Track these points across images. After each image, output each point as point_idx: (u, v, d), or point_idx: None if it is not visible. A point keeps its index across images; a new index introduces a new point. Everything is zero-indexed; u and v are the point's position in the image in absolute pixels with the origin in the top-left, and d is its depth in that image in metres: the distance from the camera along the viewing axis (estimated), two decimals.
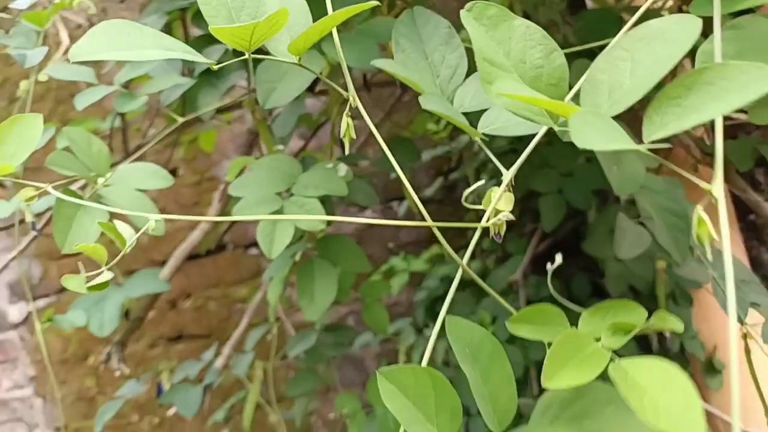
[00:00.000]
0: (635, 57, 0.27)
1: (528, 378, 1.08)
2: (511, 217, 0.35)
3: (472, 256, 1.45)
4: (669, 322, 0.30)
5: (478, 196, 0.39)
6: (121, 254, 0.34)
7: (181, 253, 0.86)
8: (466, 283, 1.35)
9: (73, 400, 2.10)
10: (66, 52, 1.11)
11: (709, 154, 0.99)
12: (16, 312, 2.46)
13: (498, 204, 0.34)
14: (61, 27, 1.08)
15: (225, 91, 0.66)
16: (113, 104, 0.63)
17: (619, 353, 0.96)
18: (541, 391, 1.02)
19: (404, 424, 0.26)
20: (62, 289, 1.49)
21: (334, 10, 0.34)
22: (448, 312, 1.30)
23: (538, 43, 0.30)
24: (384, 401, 0.27)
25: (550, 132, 0.34)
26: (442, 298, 1.35)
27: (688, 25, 0.26)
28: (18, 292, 2.23)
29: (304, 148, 0.97)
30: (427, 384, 0.28)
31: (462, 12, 0.30)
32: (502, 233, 0.36)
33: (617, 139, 0.26)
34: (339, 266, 0.65)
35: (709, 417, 1.06)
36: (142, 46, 0.31)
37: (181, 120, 0.64)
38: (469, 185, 1.39)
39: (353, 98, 0.37)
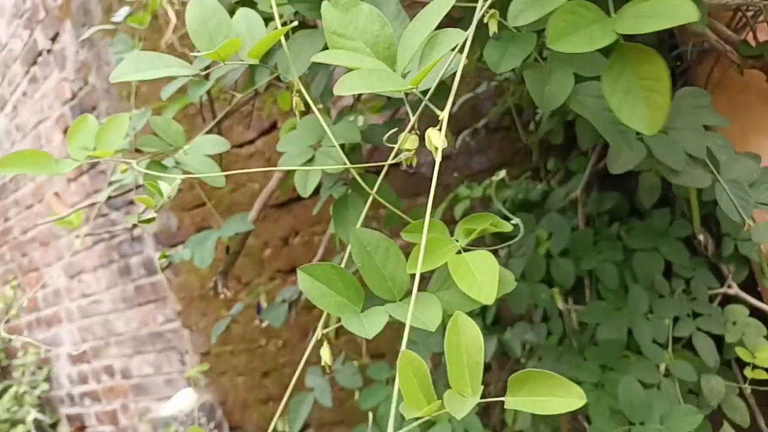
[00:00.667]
0: (424, 27, 0.39)
1: (582, 285, 1.17)
2: (409, 154, 0.46)
3: (537, 178, 1.52)
4: (501, 226, 0.41)
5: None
6: (160, 204, 0.51)
7: (263, 197, 1.04)
8: (531, 204, 1.43)
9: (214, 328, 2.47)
10: (174, 30, 1.32)
11: (752, 57, 0.98)
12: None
13: (403, 144, 0.46)
14: (169, 8, 1.28)
15: (271, 69, 0.81)
16: (188, 90, 0.81)
17: (668, 257, 1.00)
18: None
19: (317, 299, 0.41)
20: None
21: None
22: (514, 231, 1.38)
23: (377, 20, 0.42)
24: (301, 287, 0.41)
25: None
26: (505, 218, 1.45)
27: (444, 4, 0.38)
28: (162, 240, 2.62)
29: (354, 105, 1.11)
30: (332, 273, 0.42)
31: (323, 2, 0.43)
32: (414, 164, 0.48)
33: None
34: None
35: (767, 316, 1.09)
36: (154, 67, 0.46)
37: (238, 95, 0.81)
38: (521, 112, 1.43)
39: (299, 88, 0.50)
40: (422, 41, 0.43)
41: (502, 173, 1.53)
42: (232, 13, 0.62)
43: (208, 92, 1.00)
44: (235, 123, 1.98)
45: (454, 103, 1.63)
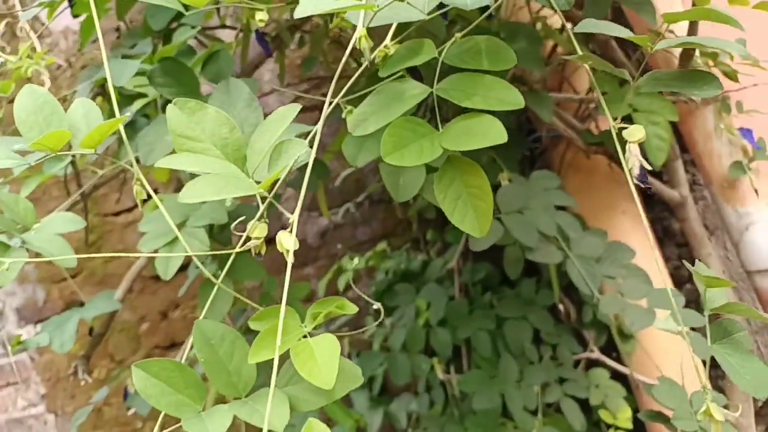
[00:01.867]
0: (272, 130, 0.42)
1: (460, 354, 1.21)
2: (257, 242, 0.47)
3: (417, 248, 1.58)
4: (346, 309, 0.43)
5: None
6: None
7: (131, 275, 0.99)
8: (412, 275, 1.47)
9: (74, 417, 2.26)
10: None
11: (595, 144, 1.10)
12: (24, 335, 2.59)
13: (252, 232, 0.46)
14: (43, 72, 1.22)
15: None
16: (43, 168, 0.76)
17: (534, 326, 1.07)
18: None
19: (154, 399, 0.39)
20: (65, 310, 1.64)
21: None
22: (393, 301, 1.40)
23: (225, 123, 0.44)
24: (136, 386, 0.40)
25: None
26: (388, 290, 1.49)
27: (290, 112, 0.41)
28: (25, 316, 2.38)
29: None
30: (172, 369, 0.40)
31: (168, 106, 0.44)
32: (262, 253, 0.48)
33: None
34: (239, 278, 0.79)
35: (627, 378, 1.17)
36: None
37: (101, 171, 0.78)
38: None
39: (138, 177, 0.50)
40: (269, 148, 0.44)
41: (382, 245, 1.57)
42: None
43: (73, 165, 0.96)
44: (111, 191, 1.89)
45: (337, 177, 1.66)
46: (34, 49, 0.99)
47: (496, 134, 0.42)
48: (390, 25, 0.50)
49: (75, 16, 0.89)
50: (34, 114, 0.49)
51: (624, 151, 0.45)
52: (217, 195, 0.39)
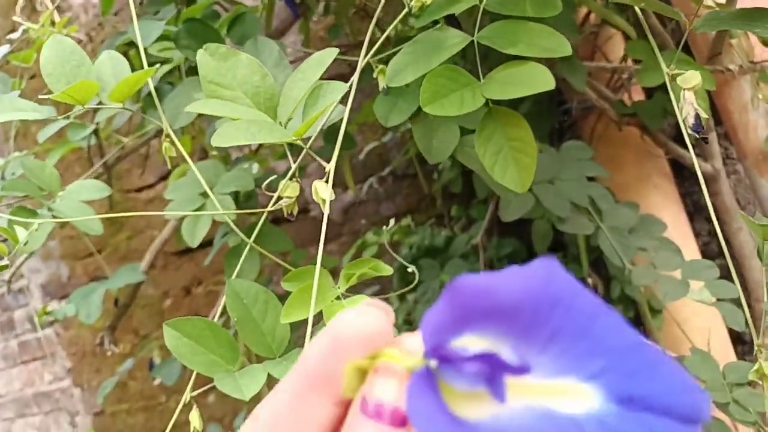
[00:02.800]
0: (307, 77, 0.39)
1: None
2: (289, 201, 0.45)
3: (441, 224, 1.56)
4: (380, 270, 0.41)
5: None
6: (15, 251, 0.46)
7: (155, 246, 0.99)
8: (436, 250, 1.46)
9: (101, 388, 2.30)
10: None
11: (627, 115, 1.07)
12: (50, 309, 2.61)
13: (284, 192, 0.45)
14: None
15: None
16: (68, 134, 0.76)
17: None
18: None
19: (186, 358, 0.38)
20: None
21: None
22: (420, 277, 1.40)
23: (257, 71, 0.42)
24: (168, 345, 0.38)
25: None
26: (413, 264, 1.47)
27: (328, 56, 0.39)
28: (50, 291, 2.42)
29: (257, 151, 1.09)
30: (203, 328, 0.39)
31: (199, 51, 0.42)
32: (295, 213, 0.47)
33: None
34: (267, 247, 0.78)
35: None
36: (12, 111, 0.43)
37: (125, 139, 0.77)
38: (424, 162, 1.46)
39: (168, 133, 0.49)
40: (305, 92, 0.43)
41: (407, 220, 1.55)
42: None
43: (97, 136, 0.95)
44: (134, 166, 1.90)
45: (360, 151, 1.65)
46: (53, 22, 0.98)
47: (543, 81, 0.40)
48: None
49: None
50: (61, 65, 0.48)
51: (678, 99, 0.43)
52: (250, 139, 0.38)
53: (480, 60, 0.45)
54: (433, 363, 0.23)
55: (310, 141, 0.44)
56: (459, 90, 0.42)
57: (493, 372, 0.22)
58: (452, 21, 0.49)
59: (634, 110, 1.03)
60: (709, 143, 1.13)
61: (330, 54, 0.43)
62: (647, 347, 0.23)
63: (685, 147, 1.14)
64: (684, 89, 0.43)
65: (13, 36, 0.85)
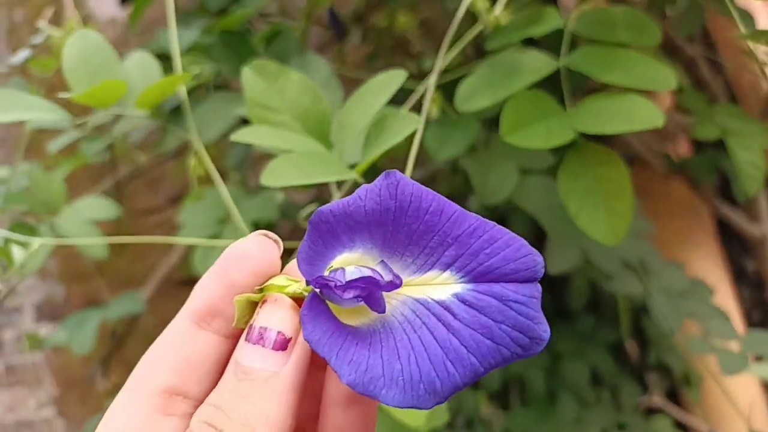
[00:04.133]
0: (369, 103, 0.33)
1: (507, 390, 1.10)
2: None
3: None
4: None
5: None
6: (8, 274, 0.40)
7: (160, 274, 0.92)
8: None
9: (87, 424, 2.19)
10: None
11: (674, 168, 1.00)
12: (42, 333, 2.54)
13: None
14: None
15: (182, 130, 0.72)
16: (82, 146, 0.70)
17: (593, 364, 0.95)
18: None
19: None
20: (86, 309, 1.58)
21: None
22: None
23: (309, 91, 0.36)
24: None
25: None
26: None
27: (394, 79, 0.32)
28: (44, 313, 2.33)
29: None
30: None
31: (244, 68, 0.36)
32: None
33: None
34: None
35: (688, 428, 1.06)
36: (9, 107, 0.37)
37: (143, 156, 0.70)
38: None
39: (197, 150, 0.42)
40: (367, 121, 0.36)
41: None
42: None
43: (111, 151, 0.89)
44: (143, 187, 1.84)
45: None
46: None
47: (649, 116, 0.34)
48: None
49: (123, 1, 0.83)
50: (85, 62, 0.41)
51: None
52: (306, 179, 0.31)
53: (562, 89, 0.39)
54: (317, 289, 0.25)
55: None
56: (545, 119, 0.36)
57: (369, 292, 0.25)
58: (528, 44, 0.43)
59: (684, 164, 0.97)
60: (757, 204, 1.06)
61: (396, 77, 0.37)
62: (486, 227, 0.26)
63: (733, 206, 1.07)
64: None
65: (35, 41, 0.80)
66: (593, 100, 0.37)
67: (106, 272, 2.07)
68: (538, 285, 0.25)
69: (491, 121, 0.46)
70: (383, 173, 0.25)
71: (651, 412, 1.07)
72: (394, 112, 0.34)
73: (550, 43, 0.41)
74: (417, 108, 0.54)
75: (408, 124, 0.33)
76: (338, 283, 0.24)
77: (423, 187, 0.26)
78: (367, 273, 0.25)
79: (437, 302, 0.26)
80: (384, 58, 0.98)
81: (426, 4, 0.95)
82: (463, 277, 0.26)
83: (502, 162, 0.51)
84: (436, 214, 0.26)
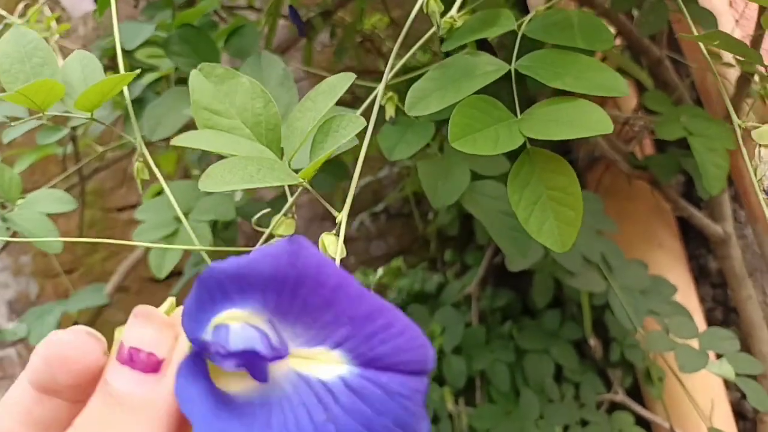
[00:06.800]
0: (317, 106, 0.33)
1: (473, 386, 1.11)
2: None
3: (434, 268, 1.49)
4: None
5: None
6: None
7: (124, 268, 0.91)
8: (426, 296, 1.38)
9: None
10: None
11: (639, 168, 1.02)
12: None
13: (276, 229, 0.38)
14: (59, 56, 1.15)
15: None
16: (36, 137, 0.68)
17: (557, 361, 0.96)
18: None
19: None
20: None
21: None
22: None
23: (259, 96, 0.35)
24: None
25: None
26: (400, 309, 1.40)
27: (342, 81, 0.32)
28: (17, 309, 2.29)
29: None
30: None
31: (192, 71, 0.35)
32: None
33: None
34: None
35: (650, 424, 1.08)
36: None
37: (101, 149, 0.69)
38: (420, 201, 1.40)
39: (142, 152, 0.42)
40: (314, 125, 0.36)
41: (397, 262, 1.48)
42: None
43: (74, 143, 0.88)
44: (117, 184, 1.82)
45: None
46: (49, 29, 0.92)
47: (598, 122, 0.34)
48: None
49: None
50: (20, 62, 0.40)
51: (751, 156, 0.37)
52: (247, 183, 0.31)
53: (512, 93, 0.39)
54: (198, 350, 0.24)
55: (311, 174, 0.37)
56: (494, 125, 0.36)
57: (252, 363, 0.24)
58: (484, 46, 0.43)
59: (647, 164, 0.99)
60: (720, 203, 1.08)
61: (345, 79, 0.36)
62: (383, 311, 0.25)
63: (696, 206, 1.09)
64: (760, 145, 0.38)
65: None
66: (543, 106, 0.37)
67: (79, 269, 2.04)
68: (425, 379, 0.24)
69: (447, 122, 0.46)
70: (287, 238, 0.24)
71: (614, 408, 1.08)
72: (341, 115, 0.34)
73: (511, 46, 0.41)
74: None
75: (352, 126, 0.32)
76: (220, 351, 0.23)
77: (327, 258, 0.25)
78: (253, 335, 0.24)
79: (321, 382, 0.25)
80: (355, 57, 0.98)
81: (395, 2, 0.95)
82: (352, 359, 0.25)
83: (456, 166, 0.52)
84: (335, 290, 0.24)
